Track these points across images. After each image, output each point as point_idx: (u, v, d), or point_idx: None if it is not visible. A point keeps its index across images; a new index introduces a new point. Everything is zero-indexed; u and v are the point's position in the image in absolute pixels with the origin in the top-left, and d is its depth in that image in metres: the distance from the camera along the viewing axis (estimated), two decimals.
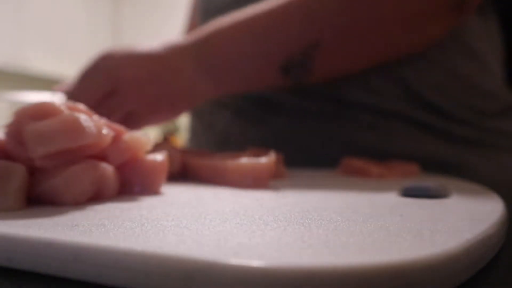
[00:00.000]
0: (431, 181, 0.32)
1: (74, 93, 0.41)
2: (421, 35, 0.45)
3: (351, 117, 0.49)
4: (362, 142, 0.49)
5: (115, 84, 0.40)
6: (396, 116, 0.49)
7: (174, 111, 0.42)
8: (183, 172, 0.34)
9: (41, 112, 0.23)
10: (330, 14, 0.42)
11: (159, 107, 0.42)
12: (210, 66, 0.43)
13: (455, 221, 0.18)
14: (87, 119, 0.23)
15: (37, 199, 0.22)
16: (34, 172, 0.22)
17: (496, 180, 0.35)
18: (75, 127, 0.22)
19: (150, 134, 0.29)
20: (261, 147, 0.47)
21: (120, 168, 0.26)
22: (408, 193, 0.29)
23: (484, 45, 0.52)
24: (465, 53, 0.50)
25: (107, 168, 0.24)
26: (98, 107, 0.40)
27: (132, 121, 0.42)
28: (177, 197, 0.25)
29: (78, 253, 0.14)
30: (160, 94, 0.41)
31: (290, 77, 0.43)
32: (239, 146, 0.48)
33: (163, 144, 0.35)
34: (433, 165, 0.47)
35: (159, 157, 0.28)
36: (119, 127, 0.26)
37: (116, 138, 0.26)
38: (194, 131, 0.60)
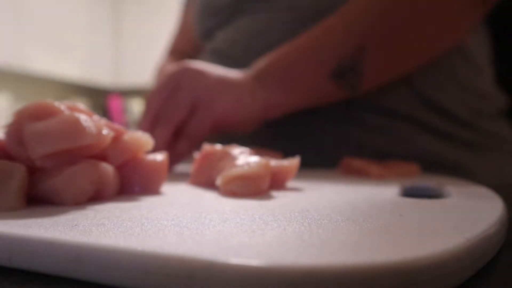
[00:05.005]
0: (431, 181, 0.32)
1: (160, 113, 0.43)
2: (452, 31, 0.48)
3: (359, 119, 0.49)
4: (370, 145, 0.49)
5: (180, 76, 0.43)
6: (403, 118, 0.49)
7: (235, 111, 0.44)
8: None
9: (41, 112, 0.23)
10: (371, 18, 0.45)
11: (219, 100, 0.43)
12: (266, 80, 0.45)
13: (455, 221, 0.18)
14: (87, 119, 0.23)
15: (37, 199, 0.22)
16: (34, 172, 0.22)
17: (490, 181, 0.35)
18: (75, 128, 0.22)
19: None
20: (271, 148, 0.48)
21: (120, 168, 0.26)
22: (408, 193, 0.29)
23: (476, 48, 0.53)
24: (460, 55, 0.51)
25: (107, 168, 0.24)
26: (165, 102, 0.42)
27: (196, 118, 0.43)
28: (177, 197, 0.25)
29: (78, 253, 0.14)
30: (220, 85, 0.43)
31: (343, 84, 0.45)
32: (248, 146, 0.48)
33: None
34: (434, 166, 0.47)
35: (159, 157, 0.28)
36: (119, 127, 0.26)
37: (116, 138, 0.26)
38: None
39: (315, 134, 0.51)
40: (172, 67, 0.47)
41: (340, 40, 0.45)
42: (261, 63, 0.47)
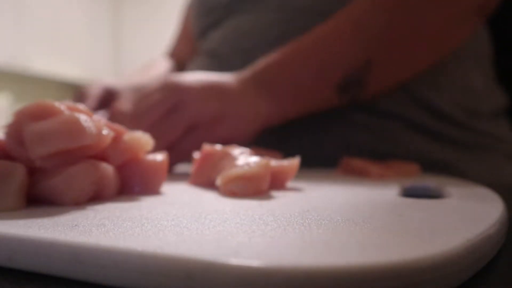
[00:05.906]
0: (431, 181, 0.32)
1: (138, 106, 0.40)
2: (454, 39, 0.48)
3: (347, 117, 0.49)
4: (357, 143, 0.49)
5: (180, 97, 0.40)
6: (397, 119, 0.49)
7: (237, 131, 0.42)
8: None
9: (41, 112, 0.23)
10: (377, 31, 0.45)
11: (221, 123, 0.41)
12: (269, 90, 0.44)
13: (455, 221, 0.18)
14: (87, 119, 0.23)
15: (37, 199, 0.22)
16: (34, 172, 0.22)
17: (486, 181, 0.35)
18: (75, 128, 0.22)
19: None
20: (270, 148, 0.48)
21: (120, 168, 0.26)
22: (408, 193, 0.29)
23: (474, 46, 0.53)
24: (458, 53, 0.51)
25: (107, 168, 0.24)
26: (160, 122, 0.40)
27: (193, 137, 0.41)
28: (177, 197, 0.25)
29: (78, 253, 0.14)
30: (223, 109, 0.41)
31: (347, 95, 0.46)
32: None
33: None
34: (428, 167, 0.47)
35: (159, 157, 0.28)
36: (119, 127, 0.26)
37: (116, 138, 0.26)
38: None
39: (314, 134, 0.51)
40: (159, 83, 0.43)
41: (347, 53, 0.45)
42: (262, 69, 0.45)
